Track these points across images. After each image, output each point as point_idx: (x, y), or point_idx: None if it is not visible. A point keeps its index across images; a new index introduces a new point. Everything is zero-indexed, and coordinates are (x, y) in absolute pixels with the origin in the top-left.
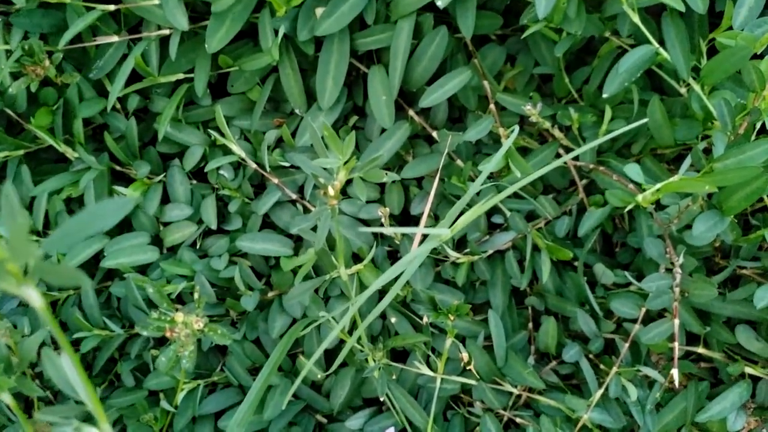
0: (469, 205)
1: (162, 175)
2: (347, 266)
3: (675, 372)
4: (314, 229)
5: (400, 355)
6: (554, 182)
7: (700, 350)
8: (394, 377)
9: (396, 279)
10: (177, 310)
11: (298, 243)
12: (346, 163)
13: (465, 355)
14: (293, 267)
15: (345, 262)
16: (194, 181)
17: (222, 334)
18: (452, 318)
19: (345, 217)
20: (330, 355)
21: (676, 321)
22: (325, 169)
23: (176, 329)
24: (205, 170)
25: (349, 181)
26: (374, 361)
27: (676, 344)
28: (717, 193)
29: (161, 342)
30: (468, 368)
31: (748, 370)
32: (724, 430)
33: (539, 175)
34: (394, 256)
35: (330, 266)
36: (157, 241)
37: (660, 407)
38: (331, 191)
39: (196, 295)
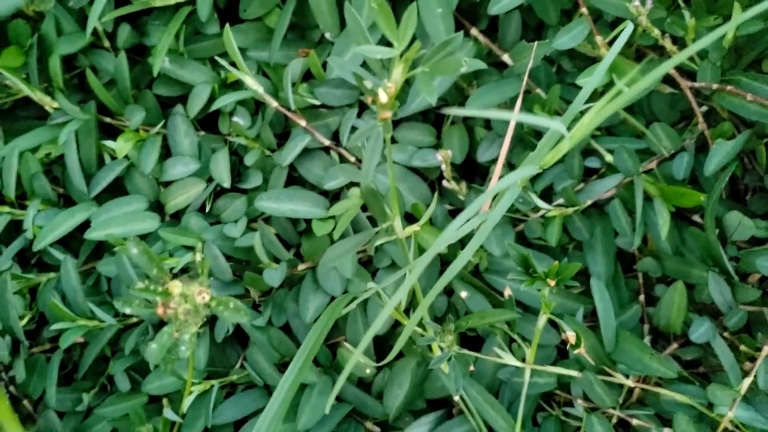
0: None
1: (161, 125)
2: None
3: None
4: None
5: (472, 343)
6: (661, 115)
7: None
8: (472, 368)
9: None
10: (173, 278)
11: (334, 202)
12: (404, 53)
13: (571, 335)
14: (329, 231)
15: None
16: (202, 132)
17: (236, 309)
18: (552, 283)
19: (395, 166)
20: (382, 344)
21: None
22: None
23: (171, 304)
24: (211, 109)
25: (397, 123)
26: (442, 348)
27: None
28: None
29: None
30: (563, 352)
31: None
32: None
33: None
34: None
35: (381, 219)
36: (157, 206)
37: None
38: (383, 97)
39: (198, 257)
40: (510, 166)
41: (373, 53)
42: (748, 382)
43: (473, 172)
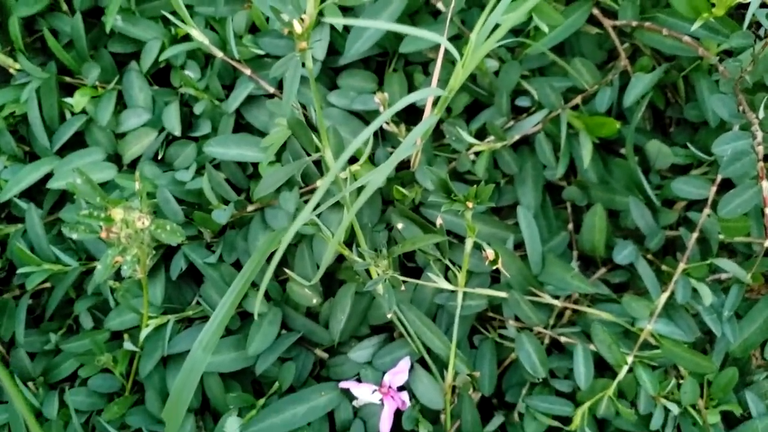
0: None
1: (116, 81)
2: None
3: None
4: None
5: (415, 273)
6: (590, 55)
7: None
8: (403, 289)
9: (403, 180)
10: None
11: (283, 148)
12: None
13: (490, 253)
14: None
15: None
16: (156, 86)
17: (172, 231)
18: (471, 205)
19: (335, 109)
20: (328, 276)
21: (764, 183)
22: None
23: (114, 229)
24: (161, 62)
25: (340, 70)
26: (378, 273)
27: (767, 211)
28: None
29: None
30: (495, 278)
31: None
32: None
33: (569, 33)
34: None
35: (310, 149)
36: (116, 157)
37: (739, 318)
38: (297, 28)
39: (137, 185)
40: (448, 110)
41: None
42: (665, 296)
43: (415, 116)
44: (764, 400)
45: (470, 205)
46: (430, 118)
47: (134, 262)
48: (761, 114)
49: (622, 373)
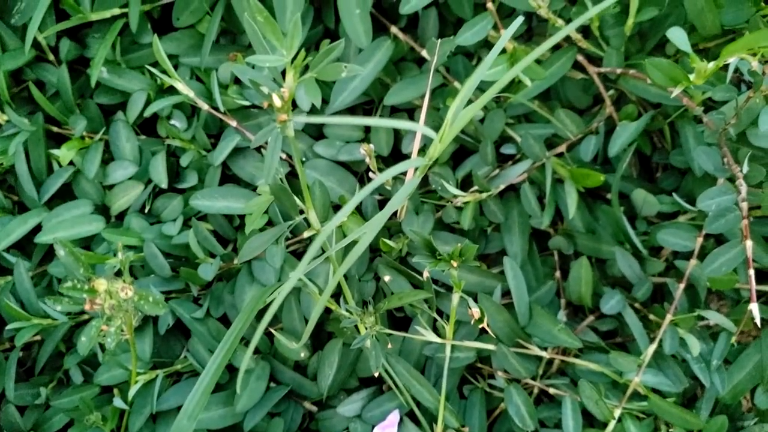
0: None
1: (102, 131)
2: (325, 219)
3: (754, 307)
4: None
5: (403, 324)
6: (575, 101)
7: None
8: (390, 346)
9: (391, 230)
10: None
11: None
12: (293, 59)
13: (476, 311)
14: (261, 226)
15: (323, 214)
16: (143, 136)
17: (155, 302)
18: (455, 264)
19: (321, 160)
20: (316, 329)
21: (749, 243)
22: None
23: (98, 300)
24: (147, 114)
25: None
26: (366, 328)
27: (752, 271)
28: None
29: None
30: (483, 328)
31: None
32: None
33: (554, 80)
34: None
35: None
36: (103, 209)
37: (728, 363)
38: (277, 101)
39: (120, 256)
40: None
41: (263, 62)
42: (652, 348)
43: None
44: None
45: (455, 264)
46: (413, 181)
47: (118, 332)
48: (745, 168)
49: (611, 426)
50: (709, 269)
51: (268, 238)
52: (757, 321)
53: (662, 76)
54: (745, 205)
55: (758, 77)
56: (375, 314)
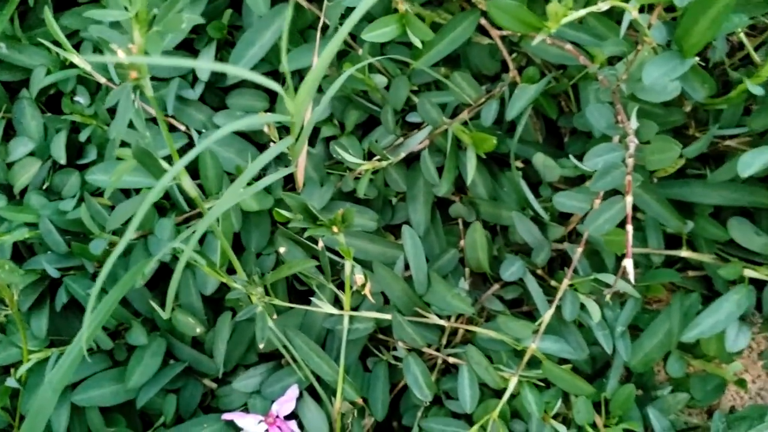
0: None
1: (4, 109)
2: (219, 190)
3: (629, 263)
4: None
5: (306, 297)
6: (483, 67)
7: (685, 254)
8: (275, 317)
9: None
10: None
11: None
12: (137, 15)
13: (359, 277)
14: (156, 200)
15: (217, 185)
16: (49, 114)
17: (11, 270)
18: (336, 230)
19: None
20: (214, 303)
21: (629, 198)
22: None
23: None
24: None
25: (229, 89)
26: (250, 300)
27: (629, 227)
28: (675, 33)
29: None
30: (364, 293)
31: (749, 272)
32: (723, 351)
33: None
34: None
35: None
36: (8, 188)
37: (641, 331)
38: (122, 57)
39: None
40: (341, 125)
41: (105, 16)
42: (549, 314)
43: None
44: (668, 416)
45: (336, 229)
46: (274, 148)
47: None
48: (634, 124)
49: (507, 394)
50: (591, 227)
51: (134, 204)
52: (631, 277)
53: (512, 20)
54: (631, 161)
55: (642, 27)
56: (263, 284)
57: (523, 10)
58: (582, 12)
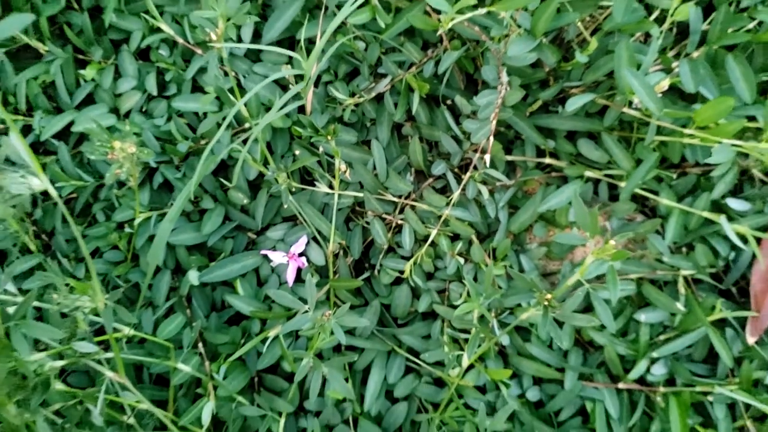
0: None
1: (113, 58)
2: (258, 113)
3: (487, 157)
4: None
5: (313, 184)
6: (429, 37)
7: (549, 161)
8: (293, 191)
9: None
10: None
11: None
12: (221, 13)
13: (342, 166)
14: (218, 120)
15: (256, 111)
16: (140, 62)
17: (148, 153)
18: (330, 139)
19: (258, 77)
20: (257, 188)
21: (494, 122)
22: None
23: (115, 153)
24: (142, 46)
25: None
26: (277, 182)
27: (491, 139)
28: (531, 21)
29: (122, 186)
30: (345, 177)
31: (587, 172)
32: (567, 221)
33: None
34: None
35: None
36: (116, 111)
37: (517, 208)
38: (213, 36)
39: (126, 127)
40: (335, 74)
41: (203, 15)
42: (457, 193)
43: (317, 81)
44: (533, 260)
45: (329, 138)
46: (293, 89)
47: (128, 173)
48: (505, 78)
49: (429, 239)
50: (474, 137)
51: (213, 120)
52: (487, 158)
53: (423, 24)
54: (500, 100)
55: (512, 21)
56: (286, 172)
57: (426, 20)
58: (469, 14)
